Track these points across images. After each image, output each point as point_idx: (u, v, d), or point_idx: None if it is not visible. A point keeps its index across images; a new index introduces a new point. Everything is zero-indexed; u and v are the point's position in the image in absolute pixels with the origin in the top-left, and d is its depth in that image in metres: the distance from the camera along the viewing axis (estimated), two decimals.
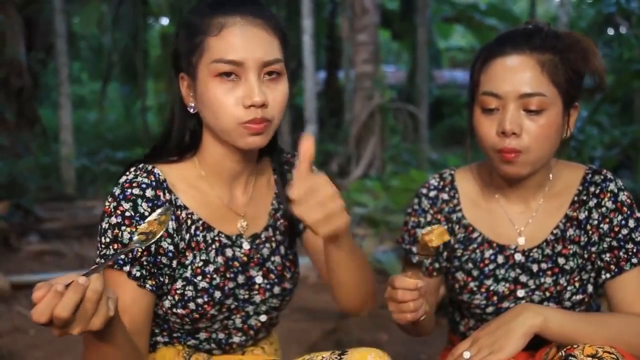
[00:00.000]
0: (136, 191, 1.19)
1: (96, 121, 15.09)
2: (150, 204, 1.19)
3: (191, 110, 1.25)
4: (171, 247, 1.22)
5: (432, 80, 14.18)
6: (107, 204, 1.20)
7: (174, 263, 1.22)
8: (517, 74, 1.27)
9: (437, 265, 1.46)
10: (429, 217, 1.45)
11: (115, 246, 1.16)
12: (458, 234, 1.44)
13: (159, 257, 1.20)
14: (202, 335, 1.30)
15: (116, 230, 1.17)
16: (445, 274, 1.51)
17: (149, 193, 1.20)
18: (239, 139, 1.20)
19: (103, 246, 1.18)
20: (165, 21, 15.08)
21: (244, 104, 1.17)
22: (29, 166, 8.73)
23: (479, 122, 1.32)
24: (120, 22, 12.55)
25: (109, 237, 1.17)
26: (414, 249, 1.45)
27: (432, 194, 1.46)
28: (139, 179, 1.21)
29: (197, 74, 1.21)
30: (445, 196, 1.46)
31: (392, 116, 9.64)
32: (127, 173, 1.23)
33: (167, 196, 1.22)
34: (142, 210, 1.18)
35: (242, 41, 1.18)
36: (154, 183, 1.21)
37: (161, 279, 1.20)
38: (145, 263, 1.18)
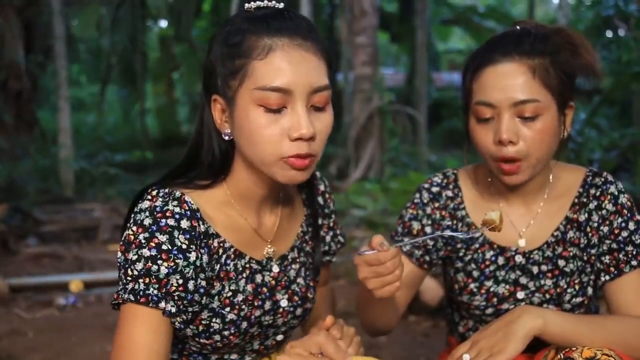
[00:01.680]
0: (171, 222, 1.09)
1: (95, 124, 15.08)
2: (187, 236, 1.10)
3: (226, 137, 1.15)
4: (203, 283, 1.14)
5: (431, 82, 14.19)
6: (132, 232, 1.09)
7: (203, 299, 1.15)
8: (509, 82, 1.26)
9: (427, 258, 1.45)
10: (428, 210, 1.44)
11: (147, 280, 1.07)
12: (461, 232, 1.44)
13: (195, 295, 1.12)
14: (214, 356, 1.25)
15: (149, 264, 1.07)
16: (444, 274, 1.51)
17: (185, 224, 1.10)
18: (280, 173, 1.11)
19: (130, 279, 1.08)
20: (164, 24, 15.08)
21: (290, 136, 1.08)
22: (27, 169, 8.74)
23: (475, 131, 1.32)
24: (119, 24, 12.56)
25: (137, 270, 1.08)
26: (406, 239, 1.43)
27: (435, 189, 1.46)
28: (171, 207, 1.11)
29: (235, 99, 1.10)
30: (449, 193, 1.45)
31: (391, 118, 9.64)
32: (150, 198, 1.12)
33: (202, 227, 1.14)
34: (179, 244, 1.09)
35: (290, 66, 1.07)
36: (188, 213, 1.11)
37: (186, 316, 1.12)
38: (177, 298, 1.09)
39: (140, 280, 1.07)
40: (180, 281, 1.09)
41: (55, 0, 9.43)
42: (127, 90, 14.66)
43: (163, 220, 1.09)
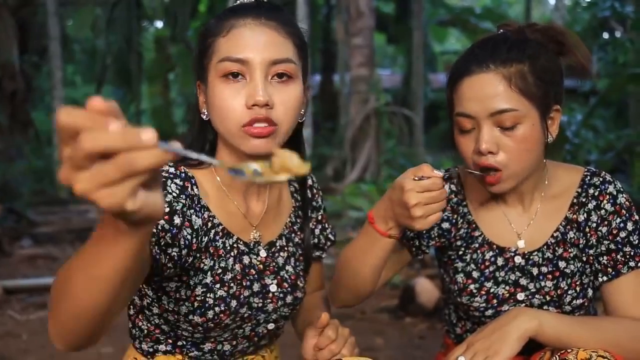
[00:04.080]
0: (165, 174, 1.14)
1: None
2: (179, 187, 1.13)
3: (204, 117, 1.21)
4: (189, 238, 1.13)
5: (427, 83, 14.23)
6: None
7: (184, 253, 1.12)
8: (485, 93, 1.24)
9: (417, 242, 1.44)
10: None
11: None
12: (461, 229, 1.42)
13: (179, 234, 1.10)
14: (207, 346, 1.26)
15: None
16: (442, 275, 1.50)
17: (178, 182, 1.14)
18: (242, 143, 1.15)
19: None
20: (159, 24, 15.08)
21: (246, 104, 1.13)
22: (22, 170, 8.72)
23: (458, 141, 1.31)
24: (115, 25, 12.56)
25: None
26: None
27: None
28: (166, 167, 1.15)
29: (207, 77, 1.18)
30: (453, 187, 1.44)
31: (387, 120, 9.66)
32: None
33: (195, 191, 1.17)
34: (170, 190, 1.11)
35: (249, 40, 1.14)
36: (182, 175, 1.16)
37: (163, 258, 1.07)
38: (160, 228, 1.06)
39: None
40: (167, 209, 1.08)
41: (50, 1, 9.42)
42: (122, 91, 14.65)
43: None
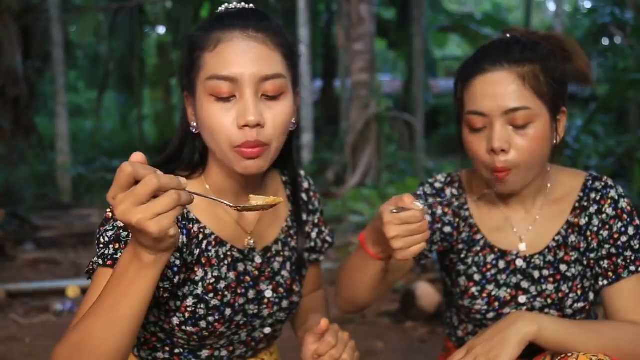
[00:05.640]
0: None
1: (92, 130, 15.08)
2: None
3: (193, 130, 1.19)
4: (177, 262, 1.13)
5: (428, 89, 14.24)
6: (110, 210, 1.12)
7: (176, 279, 1.13)
8: (499, 91, 1.26)
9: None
10: (430, 201, 1.44)
11: (117, 245, 1.07)
12: (463, 232, 1.44)
13: (165, 268, 1.08)
14: (205, 353, 1.26)
15: (120, 231, 1.08)
16: (443, 278, 1.51)
17: None
18: (235, 164, 1.14)
19: (102, 246, 1.09)
20: (161, 30, 15.12)
21: (237, 124, 1.11)
22: (25, 175, 8.73)
23: (468, 140, 1.32)
24: (117, 31, 12.59)
25: (108, 237, 1.08)
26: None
27: (438, 185, 1.46)
28: None
29: (195, 92, 1.16)
30: (454, 191, 1.45)
31: (388, 125, 9.65)
32: None
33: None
34: None
35: (237, 56, 1.11)
36: None
37: (157, 292, 1.10)
38: None
39: (111, 246, 1.07)
40: None
41: (54, 7, 9.45)
42: (124, 96, 14.69)
43: None
